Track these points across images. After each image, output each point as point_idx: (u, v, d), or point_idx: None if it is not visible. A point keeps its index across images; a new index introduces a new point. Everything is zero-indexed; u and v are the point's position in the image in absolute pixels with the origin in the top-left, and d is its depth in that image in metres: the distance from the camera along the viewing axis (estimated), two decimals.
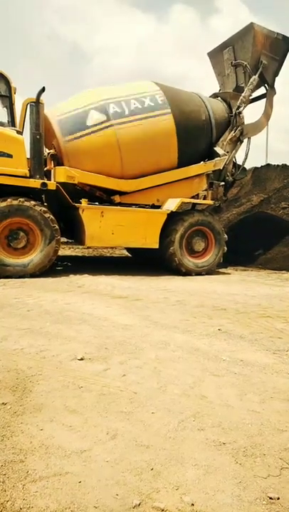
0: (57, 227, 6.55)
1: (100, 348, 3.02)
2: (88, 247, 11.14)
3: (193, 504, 1.42)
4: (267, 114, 9.03)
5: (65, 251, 10.76)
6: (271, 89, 8.97)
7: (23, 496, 1.41)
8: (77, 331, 3.45)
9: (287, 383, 2.55)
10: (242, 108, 8.52)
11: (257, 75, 8.50)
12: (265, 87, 8.93)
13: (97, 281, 6.26)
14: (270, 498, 1.47)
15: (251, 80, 8.49)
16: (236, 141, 8.60)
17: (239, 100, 8.48)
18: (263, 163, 13.57)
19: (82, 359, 2.76)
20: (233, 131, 8.45)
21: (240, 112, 8.48)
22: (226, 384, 2.48)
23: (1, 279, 5.90)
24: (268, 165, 13.27)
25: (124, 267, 8.44)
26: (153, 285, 6.16)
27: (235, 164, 8.90)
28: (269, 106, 9.00)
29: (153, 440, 1.81)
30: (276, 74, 9.00)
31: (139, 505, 1.40)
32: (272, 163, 13.07)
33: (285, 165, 12.54)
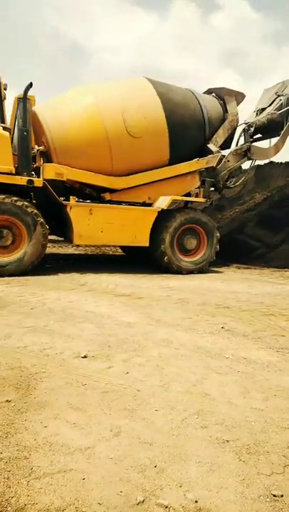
0: (42, 220, 6.37)
1: (103, 346, 3.02)
2: (90, 246, 11.15)
3: (196, 501, 1.42)
4: (277, 148, 8.90)
5: (68, 249, 10.78)
6: None
7: (28, 492, 1.42)
8: (80, 328, 3.46)
9: None
10: (252, 128, 8.49)
11: (283, 110, 8.52)
12: (285, 121, 8.76)
13: (100, 279, 6.27)
14: (274, 496, 1.47)
15: (278, 104, 8.52)
16: (242, 155, 8.52)
17: (256, 119, 8.49)
18: (266, 161, 13.52)
19: (85, 357, 2.77)
20: (241, 145, 8.46)
21: (251, 127, 8.47)
22: (229, 382, 2.49)
23: (4, 278, 5.92)
24: (271, 163, 13.21)
25: (127, 265, 8.44)
26: (155, 283, 6.17)
27: (232, 176, 8.74)
28: (282, 141, 8.85)
29: (156, 437, 1.82)
30: None
31: (142, 502, 1.40)
32: (276, 161, 13.02)
33: (288, 163, 12.48)
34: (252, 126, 8.51)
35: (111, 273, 6.90)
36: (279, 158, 10.83)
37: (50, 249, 10.41)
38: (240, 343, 3.30)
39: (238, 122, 8.54)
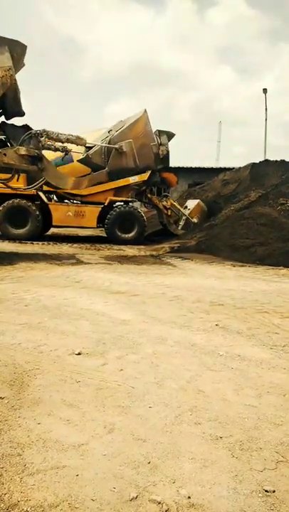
0: None
1: (97, 343, 3.02)
2: (89, 243, 11.12)
3: (189, 497, 1.43)
4: (79, 183, 8.47)
5: (62, 246, 10.74)
6: (105, 173, 8.65)
7: (21, 488, 1.42)
8: (75, 326, 3.46)
9: (284, 378, 2.56)
10: (43, 138, 7.57)
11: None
12: (106, 161, 8.57)
13: (95, 276, 6.25)
14: (266, 491, 1.48)
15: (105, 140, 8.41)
16: (30, 161, 7.32)
17: (50, 130, 7.70)
18: (261, 159, 13.57)
19: (79, 354, 2.77)
20: (28, 147, 7.37)
21: (41, 135, 7.54)
22: (223, 379, 2.50)
23: None
24: (266, 161, 13.28)
25: (122, 263, 8.43)
26: (150, 280, 6.16)
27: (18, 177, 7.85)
28: (88, 180, 8.57)
29: (150, 434, 1.82)
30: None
31: (136, 498, 1.41)
32: (271, 159, 13.08)
33: (283, 160, 12.55)
34: (42, 136, 7.65)
35: (106, 270, 6.89)
36: (273, 154, 10.92)
37: (46, 246, 10.38)
38: (234, 340, 3.31)
39: (12, 78, 6.75)
